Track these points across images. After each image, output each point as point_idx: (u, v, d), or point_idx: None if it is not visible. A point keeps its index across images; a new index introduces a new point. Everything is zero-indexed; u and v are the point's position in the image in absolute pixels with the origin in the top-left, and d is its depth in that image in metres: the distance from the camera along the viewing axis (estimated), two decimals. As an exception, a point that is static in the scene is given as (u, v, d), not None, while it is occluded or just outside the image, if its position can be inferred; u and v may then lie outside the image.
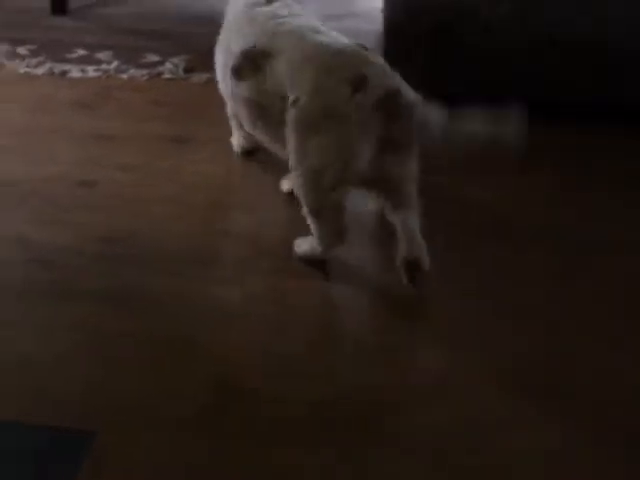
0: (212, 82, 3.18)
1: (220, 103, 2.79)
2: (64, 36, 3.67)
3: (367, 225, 2.57)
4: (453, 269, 2.37)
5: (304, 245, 2.39)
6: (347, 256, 2.40)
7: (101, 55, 3.50)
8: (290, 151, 2.28)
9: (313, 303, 2.27)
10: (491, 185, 2.72)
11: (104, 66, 3.41)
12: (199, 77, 3.34)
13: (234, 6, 2.63)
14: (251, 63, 2.39)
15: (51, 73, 3.37)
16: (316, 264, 2.39)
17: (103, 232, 2.50)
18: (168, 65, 3.41)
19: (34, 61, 3.44)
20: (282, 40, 2.35)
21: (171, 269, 2.37)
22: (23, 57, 3.48)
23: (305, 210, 2.31)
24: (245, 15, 2.52)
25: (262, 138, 2.51)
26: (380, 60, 2.27)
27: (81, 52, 3.52)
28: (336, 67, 2.21)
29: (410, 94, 2.21)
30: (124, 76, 3.35)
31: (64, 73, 3.37)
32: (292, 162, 2.28)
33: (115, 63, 3.43)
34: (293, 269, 2.37)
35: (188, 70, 3.39)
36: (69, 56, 3.49)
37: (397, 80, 2.22)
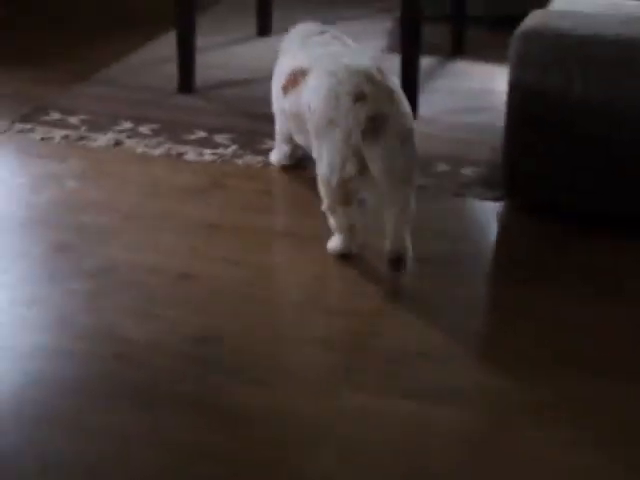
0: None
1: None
2: (186, 116, 3.66)
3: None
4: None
5: (332, 242, 2.73)
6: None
7: (220, 138, 3.46)
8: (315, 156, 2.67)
9: (404, 422, 2.13)
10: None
11: (221, 150, 3.37)
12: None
13: (291, 36, 3.10)
14: (294, 80, 2.82)
15: (168, 155, 3.35)
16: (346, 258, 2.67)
17: (195, 330, 2.42)
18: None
19: (153, 141, 3.43)
20: (317, 60, 2.76)
21: (260, 378, 2.26)
22: (144, 136, 3.47)
23: (324, 207, 2.68)
24: (299, 43, 2.99)
25: (306, 147, 2.89)
26: (390, 81, 2.61)
27: (201, 134, 3.50)
28: (345, 81, 2.57)
29: (405, 122, 2.54)
30: (239, 162, 3.30)
31: (180, 155, 3.34)
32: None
33: (232, 147, 3.39)
34: (392, 385, 2.23)
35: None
36: (188, 137, 3.47)
37: (394, 105, 2.54)
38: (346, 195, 2.61)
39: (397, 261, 2.54)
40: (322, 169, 2.62)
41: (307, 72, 2.75)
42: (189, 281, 2.63)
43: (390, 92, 2.57)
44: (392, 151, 2.50)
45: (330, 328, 2.45)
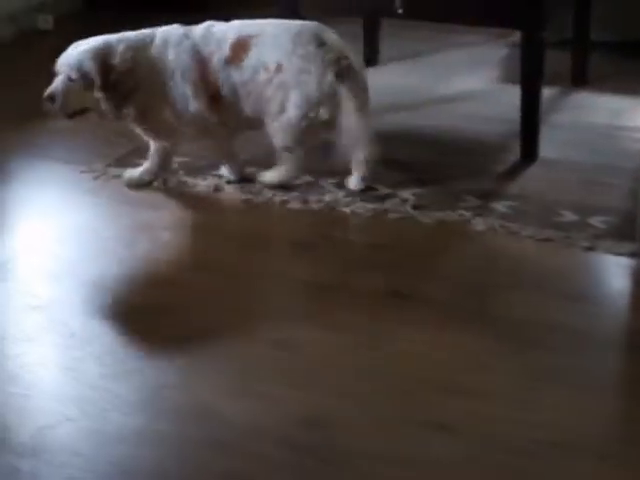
0: (444, 224, 2.88)
1: (449, 251, 2.45)
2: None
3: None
4: None
5: (272, 174, 3.15)
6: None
7: (325, 182, 3.23)
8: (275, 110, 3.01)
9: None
10: None
11: (327, 197, 3.14)
12: (429, 216, 3.00)
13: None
14: (241, 48, 3.06)
15: (271, 202, 3.13)
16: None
17: (299, 412, 2.19)
18: (395, 200, 3.09)
19: (256, 187, 3.22)
20: (261, 27, 3.11)
21: (376, 470, 2.01)
22: (245, 182, 3.27)
23: (282, 146, 3.05)
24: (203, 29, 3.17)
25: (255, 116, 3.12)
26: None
27: (306, 177, 3.27)
28: (303, 33, 2.99)
29: (360, 60, 3.10)
30: (347, 210, 3.07)
31: (284, 203, 3.12)
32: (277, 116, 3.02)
33: (340, 194, 3.15)
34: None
35: (417, 207, 3.05)
36: (293, 182, 3.24)
37: (347, 47, 3.03)
38: (310, 140, 3.03)
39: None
40: (291, 112, 2.96)
41: (254, 37, 3.02)
42: (289, 351, 2.39)
43: (339, 39, 3.03)
44: (363, 85, 3.02)
45: (449, 411, 2.19)
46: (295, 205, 3.11)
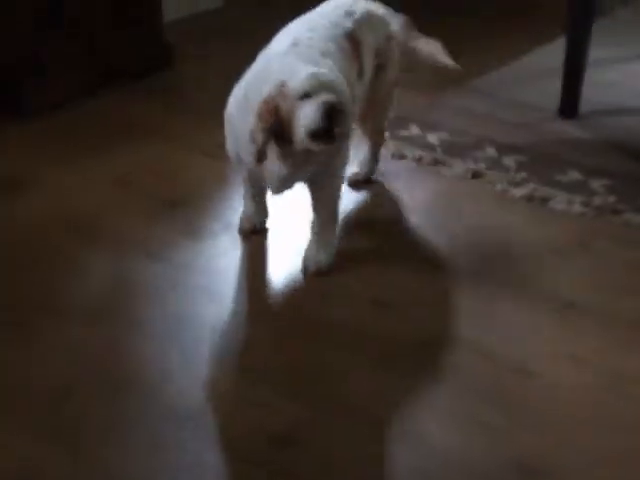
0: None
1: None
2: (562, 149, 3.14)
3: None
4: None
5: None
6: None
7: (596, 184, 2.92)
8: None
9: None
10: None
11: (596, 200, 2.83)
12: None
13: None
14: None
15: (530, 197, 2.86)
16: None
17: (515, 458, 1.95)
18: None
19: (517, 177, 2.96)
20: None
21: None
22: (507, 169, 3.01)
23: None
24: None
25: None
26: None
27: (575, 175, 2.97)
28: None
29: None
30: (616, 219, 2.75)
31: (545, 201, 2.84)
32: None
33: (610, 198, 2.83)
34: None
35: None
36: (559, 178, 2.96)
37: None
38: None
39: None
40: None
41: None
42: (527, 379, 2.15)
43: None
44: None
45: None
46: (557, 205, 2.82)
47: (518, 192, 2.89)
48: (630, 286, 2.48)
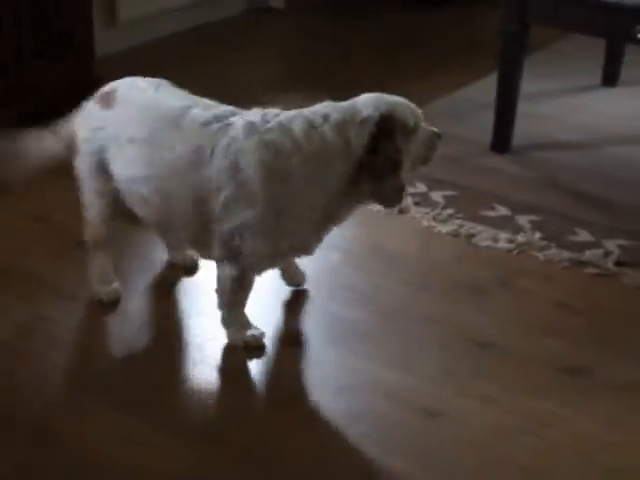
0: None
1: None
2: (491, 184, 3.17)
3: None
4: None
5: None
6: None
7: (523, 219, 2.95)
8: None
9: None
10: None
11: (520, 237, 2.85)
12: (632, 276, 2.66)
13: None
14: None
15: (456, 234, 2.88)
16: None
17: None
18: (595, 252, 2.76)
19: (444, 214, 2.98)
20: None
21: None
22: (435, 205, 3.02)
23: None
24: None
25: None
26: None
27: (502, 211, 3.00)
28: None
29: None
30: (539, 256, 2.77)
31: (470, 237, 2.86)
32: None
33: (535, 235, 2.85)
34: None
35: (620, 263, 2.72)
36: (486, 214, 2.98)
37: None
38: None
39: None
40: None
41: None
42: (435, 421, 2.15)
43: None
44: None
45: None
46: (481, 241, 2.84)
47: (444, 228, 2.91)
48: (551, 326, 2.49)
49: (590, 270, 2.70)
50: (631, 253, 2.76)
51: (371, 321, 2.49)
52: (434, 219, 2.95)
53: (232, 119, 2.27)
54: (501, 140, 3.38)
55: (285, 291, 2.59)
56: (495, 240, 2.84)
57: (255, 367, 2.33)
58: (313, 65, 4.20)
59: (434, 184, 3.14)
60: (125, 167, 2.35)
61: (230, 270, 2.28)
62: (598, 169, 3.27)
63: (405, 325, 2.48)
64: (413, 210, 3.00)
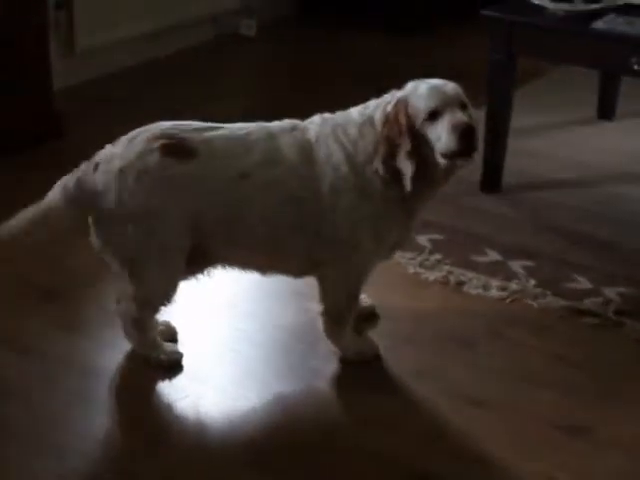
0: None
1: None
2: (481, 226, 3.11)
3: None
4: None
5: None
6: None
7: (516, 265, 2.89)
8: None
9: None
10: None
11: (513, 284, 2.79)
12: (633, 327, 2.61)
13: None
14: None
15: (445, 281, 2.82)
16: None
17: None
18: (594, 300, 2.71)
19: (432, 260, 2.92)
20: None
21: None
22: (421, 250, 2.96)
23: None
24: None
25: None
26: None
27: (493, 256, 2.94)
28: None
29: None
30: (534, 304, 2.72)
31: (460, 285, 2.80)
32: None
33: (529, 282, 2.80)
34: None
35: (621, 312, 2.66)
36: (476, 259, 2.93)
37: None
38: None
39: None
40: None
41: None
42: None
43: None
44: None
45: None
46: (472, 289, 2.79)
47: (432, 275, 2.85)
48: (546, 380, 2.43)
49: (589, 320, 2.65)
50: (632, 301, 2.71)
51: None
52: (420, 265, 2.90)
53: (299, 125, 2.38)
54: (491, 178, 3.33)
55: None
56: (486, 288, 2.79)
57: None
58: (279, 95, 4.19)
59: (420, 227, 3.04)
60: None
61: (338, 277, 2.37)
62: (595, 209, 3.22)
63: (390, 382, 2.42)
64: (398, 255, 2.93)
